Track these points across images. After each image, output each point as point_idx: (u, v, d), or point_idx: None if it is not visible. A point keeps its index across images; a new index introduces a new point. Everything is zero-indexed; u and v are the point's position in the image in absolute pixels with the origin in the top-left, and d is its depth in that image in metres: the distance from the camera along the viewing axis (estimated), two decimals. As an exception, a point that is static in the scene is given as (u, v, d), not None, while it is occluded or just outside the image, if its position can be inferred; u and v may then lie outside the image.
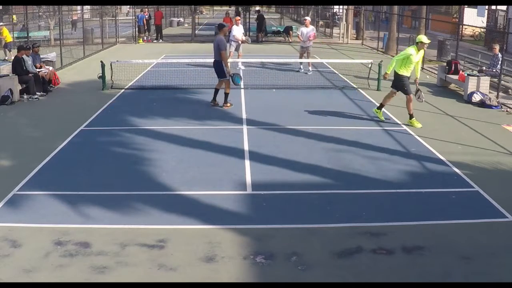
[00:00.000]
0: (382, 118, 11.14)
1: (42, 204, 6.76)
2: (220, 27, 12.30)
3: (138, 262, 5.34)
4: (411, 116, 10.84)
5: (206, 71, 15.16)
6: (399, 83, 10.89)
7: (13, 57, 14.18)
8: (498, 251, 5.65)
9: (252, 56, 21.34)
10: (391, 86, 11.21)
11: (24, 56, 13.43)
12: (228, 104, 12.19)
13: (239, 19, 18.65)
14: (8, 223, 6.21)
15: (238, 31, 17.57)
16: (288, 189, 7.35)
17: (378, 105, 11.56)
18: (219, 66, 11.99)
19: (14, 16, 28.21)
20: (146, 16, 29.28)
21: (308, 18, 18.11)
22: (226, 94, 12.15)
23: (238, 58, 17.68)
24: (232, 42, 17.38)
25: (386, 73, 10.92)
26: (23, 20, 22.86)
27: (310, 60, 17.70)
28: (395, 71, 10.90)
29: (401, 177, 7.84)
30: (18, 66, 13.26)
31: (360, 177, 7.84)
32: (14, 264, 5.29)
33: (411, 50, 10.65)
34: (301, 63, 17.78)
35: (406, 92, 10.85)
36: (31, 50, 14.06)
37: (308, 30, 17.31)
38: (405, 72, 10.76)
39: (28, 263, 5.30)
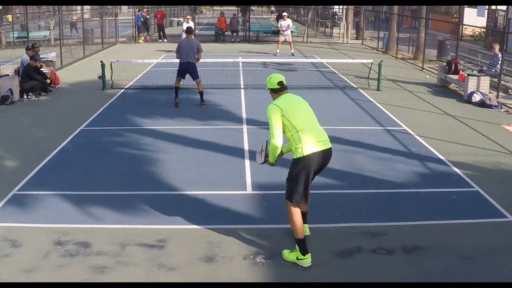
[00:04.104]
0: None
1: (42, 204, 6.76)
2: (189, 30, 12.61)
3: (138, 262, 5.34)
4: None
5: (206, 71, 15.16)
6: None
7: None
8: (498, 251, 5.65)
9: (252, 56, 21.35)
10: None
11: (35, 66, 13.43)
12: (205, 103, 12.52)
13: (190, 17, 23.76)
14: (8, 223, 6.21)
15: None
16: (288, 189, 7.34)
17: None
18: (193, 68, 12.20)
19: (9, 16, 28.21)
20: (142, 17, 29.23)
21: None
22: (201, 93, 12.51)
23: None
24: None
25: None
26: (23, 20, 22.87)
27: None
28: None
29: (401, 177, 7.84)
30: (28, 74, 13.19)
31: (360, 177, 7.84)
32: (14, 264, 5.28)
33: None
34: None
35: None
36: (32, 50, 14.07)
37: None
38: None
39: (28, 263, 5.30)
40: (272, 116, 5.21)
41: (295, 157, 5.19)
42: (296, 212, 5.21)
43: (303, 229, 5.28)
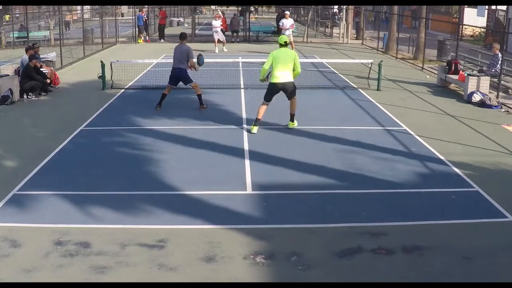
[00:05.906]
0: None
1: (42, 204, 6.76)
2: (183, 36, 12.10)
3: (138, 262, 5.34)
4: None
5: (206, 71, 15.16)
6: None
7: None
8: (498, 251, 5.65)
9: (252, 56, 21.36)
10: None
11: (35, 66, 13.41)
12: (205, 106, 12.12)
13: (219, 16, 25.60)
14: (8, 223, 6.21)
15: (217, 23, 24.55)
16: (288, 189, 7.36)
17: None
18: (184, 73, 11.82)
19: (7, 16, 28.20)
20: (145, 16, 29.23)
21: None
22: (199, 96, 12.05)
23: (223, 45, 24.50)
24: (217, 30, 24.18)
25: None
26: (23, 20, 22.86)
27: None
28: None
29: (401, 177, 7.84)
30: (28, 74, 13.19)
31: (361, 177, 7.84)
32: (14, 264, 5.29)
33: None
34: None
35: None
36: (32, 50, 14.06)
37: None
38: None
39: (28, 263, 5.31)
40: (268, 57, 9.96)
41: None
42: (262, 106, 10.11)
43: (260, 113, 10.05)
